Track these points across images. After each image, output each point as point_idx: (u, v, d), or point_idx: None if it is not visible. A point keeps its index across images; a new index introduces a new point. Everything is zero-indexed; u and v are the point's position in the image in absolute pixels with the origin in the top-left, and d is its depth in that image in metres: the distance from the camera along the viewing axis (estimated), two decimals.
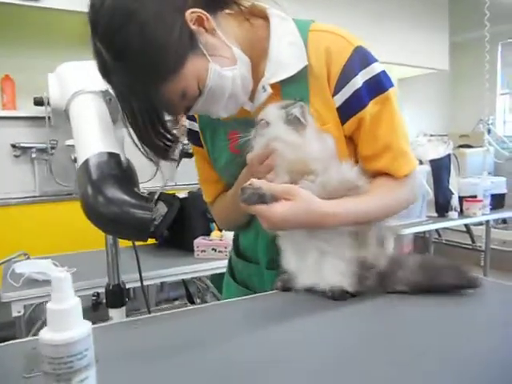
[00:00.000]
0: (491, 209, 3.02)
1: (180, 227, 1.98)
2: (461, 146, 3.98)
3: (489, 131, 4.96)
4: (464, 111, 5.24)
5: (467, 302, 0.77)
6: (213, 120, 0.90)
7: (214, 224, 2.00)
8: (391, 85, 0.84)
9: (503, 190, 3.20)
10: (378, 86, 0.82)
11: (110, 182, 0.70)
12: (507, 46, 5.02)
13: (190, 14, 0.73)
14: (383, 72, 0.83)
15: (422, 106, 5.00)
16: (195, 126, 0.98)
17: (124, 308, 1.12)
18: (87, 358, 0.41)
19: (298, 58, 0.83)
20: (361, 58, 0.82)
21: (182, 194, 2.07)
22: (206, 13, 0.74)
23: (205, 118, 0.92)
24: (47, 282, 1.53)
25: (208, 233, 2.01)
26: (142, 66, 0.71)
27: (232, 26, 0.82)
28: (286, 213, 0.71)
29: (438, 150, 2.92)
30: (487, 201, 2.97)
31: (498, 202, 3.11)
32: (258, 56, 0.84)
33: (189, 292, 2.09)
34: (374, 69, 0.82)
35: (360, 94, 0.82)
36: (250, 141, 0.84)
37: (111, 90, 0.81)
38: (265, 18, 0.87)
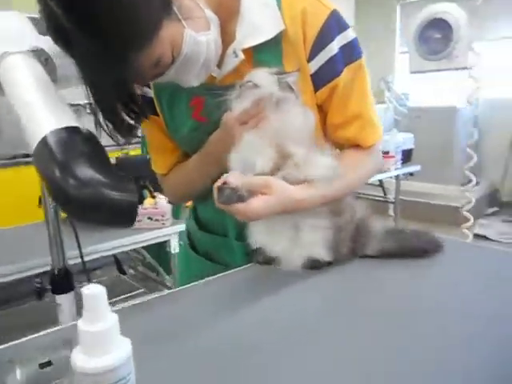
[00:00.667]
0: (401, 163, 3.25)
1: None
2: None
3: (389, 89, 5.28)
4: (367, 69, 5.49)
5: (433, 263, 0.83)
6: (170, 86, 0.82)
7: (146, 191, 1.90)
8: (362, 52, 0.82)
9: (411, 146, 3.45)
10: (353, 52, 0.81)
11: (81, 161, 0.61)
12: (406, 6, 5.26)
13: None
14: (356, 39, 0.82)
15: None
16: (149, 93, 0.89)
17: (73, 293, 1.02)
18: (130, 382, 0.36)
19: (274, 20, 0.78)
20: (337, 23, 0.79)
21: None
22: None
23: (161, 83, 0.83)
24: None
25: (141, 201, 1.90)
26: (114, 34, 0.61)
27: None
28: (262, 208, 0.70)
29: None
30: (398, 156, 3.19)
31: (406, 156, 3.35)
32: (225, 16, 0.78)
33: (119, 263, 1.99)
34: (349, 34, 0.80)
35: (336, 61, 0.80)
36: (226, 103, 0.78)
37: (47, 49, 0.69)
38: None
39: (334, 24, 0.79)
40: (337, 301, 0.71)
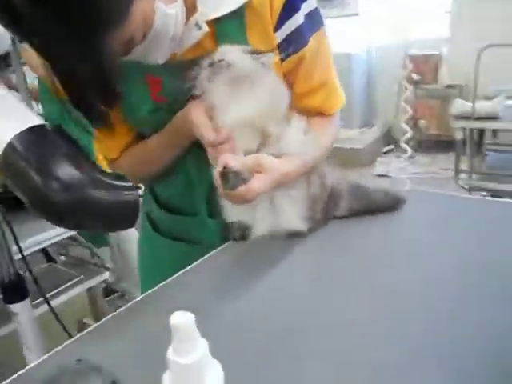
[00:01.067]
0: None
1: None
2: None
3: None
4: None
5: (398, 217, 0.89)
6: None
7: None
8: (323, 20, 0.82)
9: None
10: (317, 21, 0.80)
11: (60, 160, 0.54)
12: None
13: None
14: (318, 7, 0.80)
15: None
16: None
17: (28, 299, 0.94)
18: None
19: None
20: None
21: None
22: None
23: None
24: None
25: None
26: (84, 14, 0.53)
27: None
28: (261, 188, 0.71)
29: None
30: None
31: None
32: None
33: (45, 250, 1.83)
34: (313, 2, 0.79)
35: (302, 30, 0.78)
36: (189, 82, 0.73)
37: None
38: None
39: None
40: (323, 272, 0.74)
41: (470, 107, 2.34)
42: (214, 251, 0.82)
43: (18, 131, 0.54)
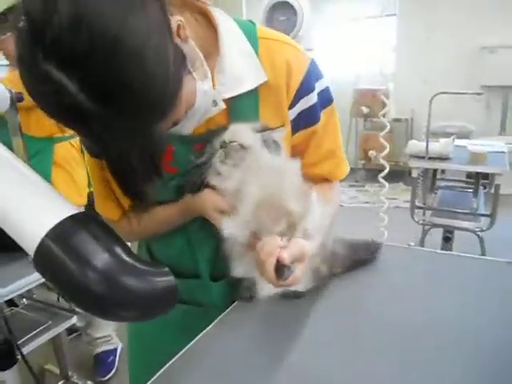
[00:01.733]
0: None
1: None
2: None
3: None
4: None
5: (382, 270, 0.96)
6: None
7: None
8: (333, 97, 0.87)
9: None
10: (328, 98, 0.84)
11: (94, 248, 0.54)
12: None
13: (176, 22, 0.57)
14: (328, 86, 0.85)
15: None
16: None
17: (16, 366, 0.89)
18: None
19: (255, 71, 0.76)
20: (316, 72, 0.81)
21: None
22: (181, 18, 0.59)
23: None
24: None
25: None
26: (139, 109, 0.53)
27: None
28: (300, 276, 0.70)
29: None
30: None
31: None
32: (204, 57, 0.71)
33: None
34: (324, 82, 0.84)
35: (316, 108, 0.82)
36: (200, 154, 0.75)
37: None
38: (203, 13, 0.75)
39: (313, 73, 0.80)
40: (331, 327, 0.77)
41: (423, 147, 2.49)
42: (223, 314, 0.83)
43: (52, 225, 0.53)
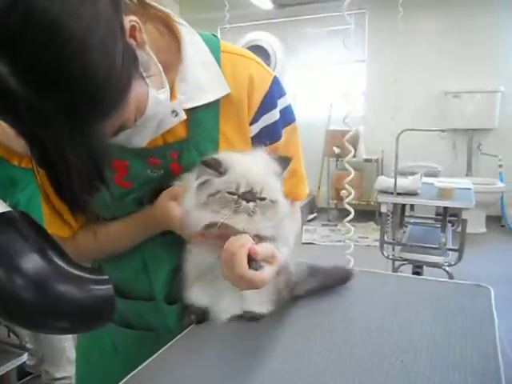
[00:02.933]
0: None
1: None
2: None
3: None
4: None
5: (348, 293, 0.93)
6: None
7: None
8: (294, 115, 0.86)
9: None
10: (289, 115, 0.84)
11: (25, 252, 0.49)
12: (225, 32, 5.57)
13: (129, 22, 0.56)
14: (290, 103, 0.84)
15: None
16: None
17: None
18: None
19: (218, 82, 0.75)
20: (278, 89, 0.81)
21: None
22: (136, 19, 0.58)
23: None
24: None
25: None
26: (75, 100, 0.50)
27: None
28: (269, 276, 0.68)
29: None
30: None
31: None
32: (164, 67, 0.69)
33: None
34: (287, 99, 0.83)
35: (278, 125, 0.81)
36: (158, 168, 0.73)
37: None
38: (166, 24, 0.74)
39: (276, 90, 0.80)
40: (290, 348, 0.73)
41: (392, 183, 2.52)
42: (177, 338, 0.78)
43: None
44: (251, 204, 0.68)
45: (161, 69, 0.67)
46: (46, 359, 2.07)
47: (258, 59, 0.82)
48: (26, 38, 0.45)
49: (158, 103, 0.64)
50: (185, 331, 0.79)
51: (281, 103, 0.81)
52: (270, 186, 0.70)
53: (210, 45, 0.76)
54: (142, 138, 0.68)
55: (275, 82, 0.80)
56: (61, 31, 0.46)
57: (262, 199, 0.69)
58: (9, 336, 1.59)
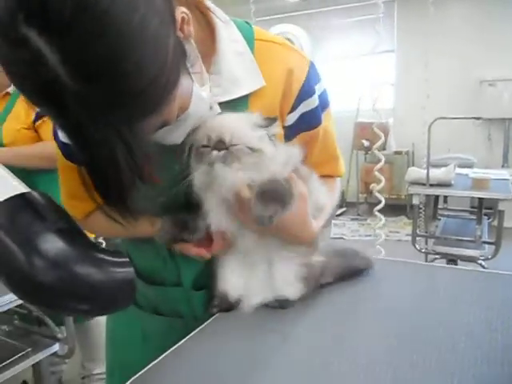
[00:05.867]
0: None
1: None
2: None
3: None
4: None
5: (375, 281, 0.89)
6: None
7: None
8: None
9: None
10: (326, 100, 0.82)
11: (46, 234, 0.48)
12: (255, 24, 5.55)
13: (180, 13, 0.53)
14: (325, 88, 0.83)
15: None
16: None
17: None
18: None
19: (252, 75, 0.72)
20: (315, 74, 0.78)
21: None
22: (186, 10, 0.55)
23: None
24: None
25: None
26: (125, 94, 0.47)
27: None
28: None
29: None
30: None
31: None
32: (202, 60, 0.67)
33: None
34: (323, 84, 0.81)
35: (317, 111, 0.79)
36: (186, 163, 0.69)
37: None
38: (203, 12, 0.70)
39: (313, 76, 0.77)
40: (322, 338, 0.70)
41: (424, 174, 2.44)
42: (203, 325, 0.76)
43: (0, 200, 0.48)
44: (222, 152, 0.65)
45: (202, 65, 0.65)
46: (84, 354, 2.10)
47: (292, 45, 0.79)
48: (78, 27, 0.43)
49: (201, 100, 0.62)
50: (210, 319, 0.78)
51: (318, 88, 0.79)
52: (243, 133, 0.67)
53: (243, 33, 0.74)
54: (179, 134, 0.66)
55: (312, 68, 0.77)
56: (113, 22, 0.44)
57: (234, 145, 0.66)
58: (39, 326, 1.61)
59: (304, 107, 0.77)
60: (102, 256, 0.51)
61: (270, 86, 0.73)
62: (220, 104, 0.70)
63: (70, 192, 0.81)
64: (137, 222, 0.75)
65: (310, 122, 0.79)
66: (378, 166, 1.35)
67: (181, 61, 0.54)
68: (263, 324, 0.75)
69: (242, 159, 0.66)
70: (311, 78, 0.77)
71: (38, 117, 1.78)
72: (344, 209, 5.45)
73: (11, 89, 1.83)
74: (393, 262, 1.04)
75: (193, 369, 0.64)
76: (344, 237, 4.54)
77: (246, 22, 0.78)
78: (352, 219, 5.17)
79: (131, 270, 0.50)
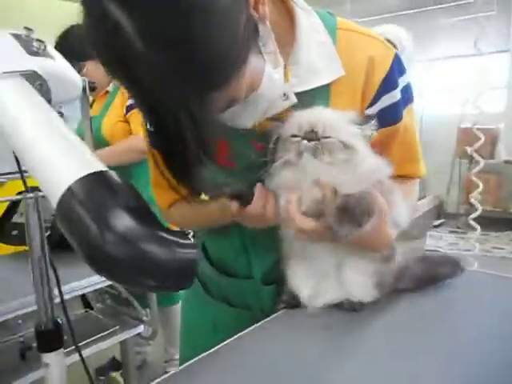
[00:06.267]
0: None
1: None
2: None
3: None
4: None
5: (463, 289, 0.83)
6: None
7: None
8: None
9: None
10: (410, 95, 0.77)
11: (119, 211, 0.50)
12: None
13: None
14: (410, 81, 0.78)
15: None
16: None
17: (62, 350, 0.88)
18: None
19: (332, 64, 0.70)
20: (399, 67, 0.74)
21: None
22: None
23: None
24: None
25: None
26: (195, 65, 0.49)
27: None
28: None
29: None
30: None
31: None
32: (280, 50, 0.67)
33: (85, 297, 1.81)
34: (407, 77, 0.76)
35: (399, 105, 0.75)
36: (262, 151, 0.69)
37: (41, 71, 0.57)
38: (283, 1, 0.71)
39: (396, 69, 0.73)
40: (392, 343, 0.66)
41: None
42: (265, 320, 0.75)
43: (80, 176, 0.51)
44: (312, 143, 0.62)
45: (276, 47, 0.64)
46: (166, 339, 2.21)
47: (378, 35, 0.75)
48: None
49: (271, 81, 0.62)
50: (275, 314, 0.77)
51: (401, 81, 0.74)
52: (337, 127, 0.64)
53: (326, 23, 0.72)
54: (249, 117, 0.66)
55: (396, 60, 0.73)
56: None
57: (327, 137, 0.62)
58: (128, 308, 1.72)
59: (384, 101, 0.73)
60: (168, 236, 0.52)
61: (352, 76, 0.71)
62: (298, 94, 0.69)
63: (154, 181, 0.86)
64: (209, 202, 0.77)
65: (389, 118, 0.74)
66: (476, 169, 1.24)
67: (252, 38, 0.55)
68: (328, 325, 0.72)
69: (333, 154, 0.63)
70: (395, 70, 0.73)
71: (130, 109, 1.92)
72: (442, 220, 5.11)
73: (110, 87, 2.00)
74: (486, 274, 0.95)
75: (252, 357, 0.65)
76: (440, 249, 4.25)
77: (329, 13, 0.75)
78: (450, 231, 4.82)
79: (195, 251, 0.51)
